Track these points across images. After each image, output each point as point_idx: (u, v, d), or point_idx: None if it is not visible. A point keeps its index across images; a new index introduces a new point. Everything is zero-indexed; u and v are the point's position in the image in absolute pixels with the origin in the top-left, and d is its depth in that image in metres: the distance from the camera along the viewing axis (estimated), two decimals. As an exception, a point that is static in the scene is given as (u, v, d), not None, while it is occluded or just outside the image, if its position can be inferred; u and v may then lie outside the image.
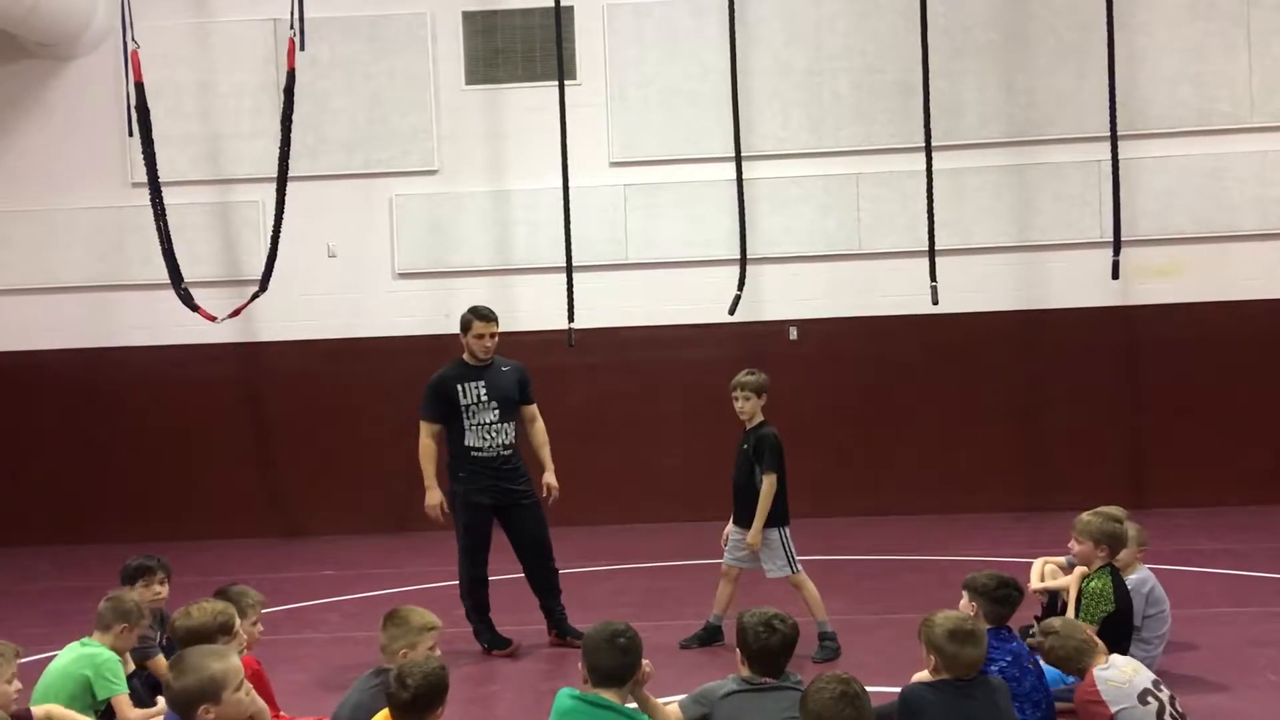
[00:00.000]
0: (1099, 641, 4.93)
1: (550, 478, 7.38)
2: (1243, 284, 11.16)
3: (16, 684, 4.45)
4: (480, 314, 7.22)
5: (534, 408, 7.46)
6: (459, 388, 7.15)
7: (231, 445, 11.71)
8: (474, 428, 7.15)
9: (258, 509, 11.67)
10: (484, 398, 7.15)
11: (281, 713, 5.28)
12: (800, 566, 6.88)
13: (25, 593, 9.56)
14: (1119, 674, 4.63)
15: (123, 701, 5.19)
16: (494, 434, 7.16)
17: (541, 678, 6.59)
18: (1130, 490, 10.52)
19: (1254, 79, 11.15)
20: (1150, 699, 4.54)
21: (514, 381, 7.31)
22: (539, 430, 7.45)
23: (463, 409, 7.14)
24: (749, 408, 6.93)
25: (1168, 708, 4.56)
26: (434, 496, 7.27)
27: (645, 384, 11.41)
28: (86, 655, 5.18)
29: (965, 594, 5.07)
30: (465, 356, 7.26)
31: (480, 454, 7.16)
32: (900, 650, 6.18)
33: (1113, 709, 4.52)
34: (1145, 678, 4.63)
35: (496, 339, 7.25)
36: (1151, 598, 6.03)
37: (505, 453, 7.19)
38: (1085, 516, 5.84)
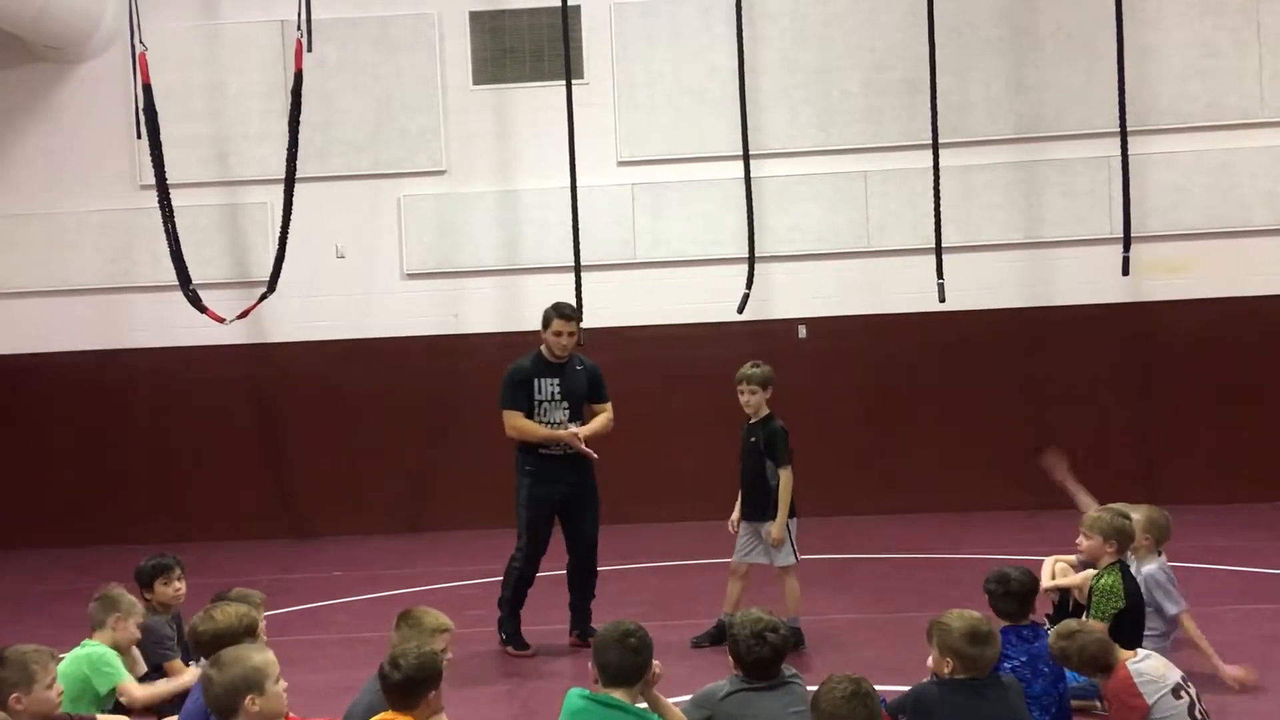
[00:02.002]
0: (1114, 649, 4.85)
1: (584, 430, 7.15)
2: (1254, 280, 11.12)
3: (58, 687, 4.46)
4: (562, 312, 7.19)
5: (606, 405, 7.36)
6: (535, 382, 7.15)
7: (241, 446, 11.72)
8: (543, 425, 7.15)
9: (267, 510, 11.69)
10: (557, 395, 7.17)
11: (291, 714, 5.28)
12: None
13: (36, 595, 9.58)
14: (1153, 668, 4.58)
15: (127, 686, 5.23)
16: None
17: (553, 678, 6.59)
18: (1141, 487, 10.42)
19: (1264, 74, 11.10)
20: (1182, 694, 4.50)
21: (586, 382, 7.30)
22: (603, 419, 7.32)
23: (535, 404, 7.13)
24: (755, 401, 6.95)
25: (1198, 704, 4.52)
26: (563, 432, 7.06)
27: (654, 383, 11.39)
28: (82, 655, 5.22)
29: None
30: (543, 351, 7.24)
31: (548, 451, 7.17)
32: (910, 648, 6.15)
33: (1149, 701, 4.46)
34: (1176, 673, 4.60)
35: (575, 338, 7.23)
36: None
37: (572, 451, 7.19)
38: (1093, 512, 5.82)
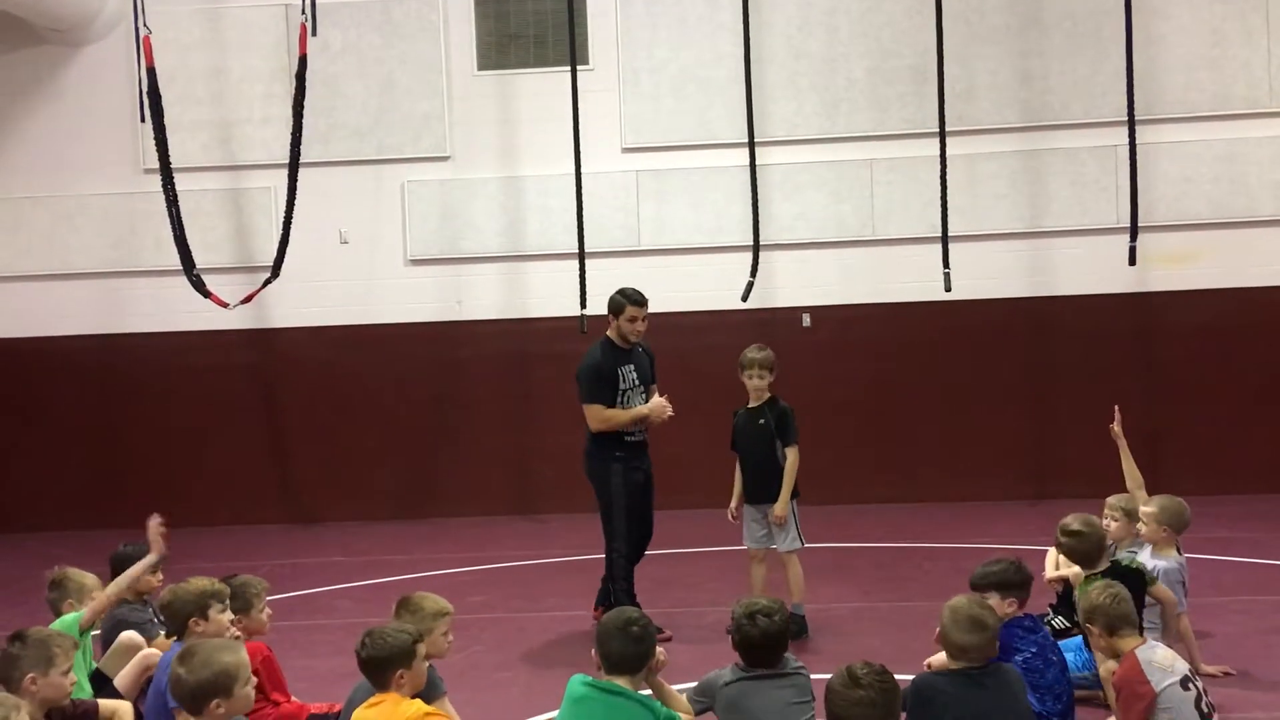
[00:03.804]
0: (1138, 626, 4.83)
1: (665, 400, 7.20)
2: (1260, 270, 11.07)
3: (73, 677, 4.47)
4: (633, 298, 7.17)
5: (655, 384, 7.39)
6: (619, 373, 7.12)
7: (244, 432, 11.72)
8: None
9: (270, 495, 11.69)
10: (635, 382, 7.18)
11: (293, 699, 5.28)
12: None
13: (38, 579, 9.55)
14: (1163, 657, 4.55)
15: (85, 620, 5.28)
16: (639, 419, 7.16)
17: (555, 665, 6.58)
18: (1145, 477, 10.39)
19: (1272, 63, 11.04)
20: (1190, 686, 4.46)
21: (649, 364, 7.35)
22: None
23: (620, 393, 7.11)
24: (763, 385, 6.95)
25: (1204, 696, 4.50)
26: (646, 407, 7.08)
27: (658, 371, 11.35)
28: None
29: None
30: (614, 338, 7.20)
31: (632, 438, 7.17)
32: (913, 638, 6.16)
33: (1157, 688, 4.43)
34: (1185, 665, 4.57)
35: (647, 322, 7.22)
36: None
37: (645, 435, 7.24)
38: (1064, 520, 5.75)
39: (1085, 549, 5.64)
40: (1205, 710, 4.45)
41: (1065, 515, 5.87)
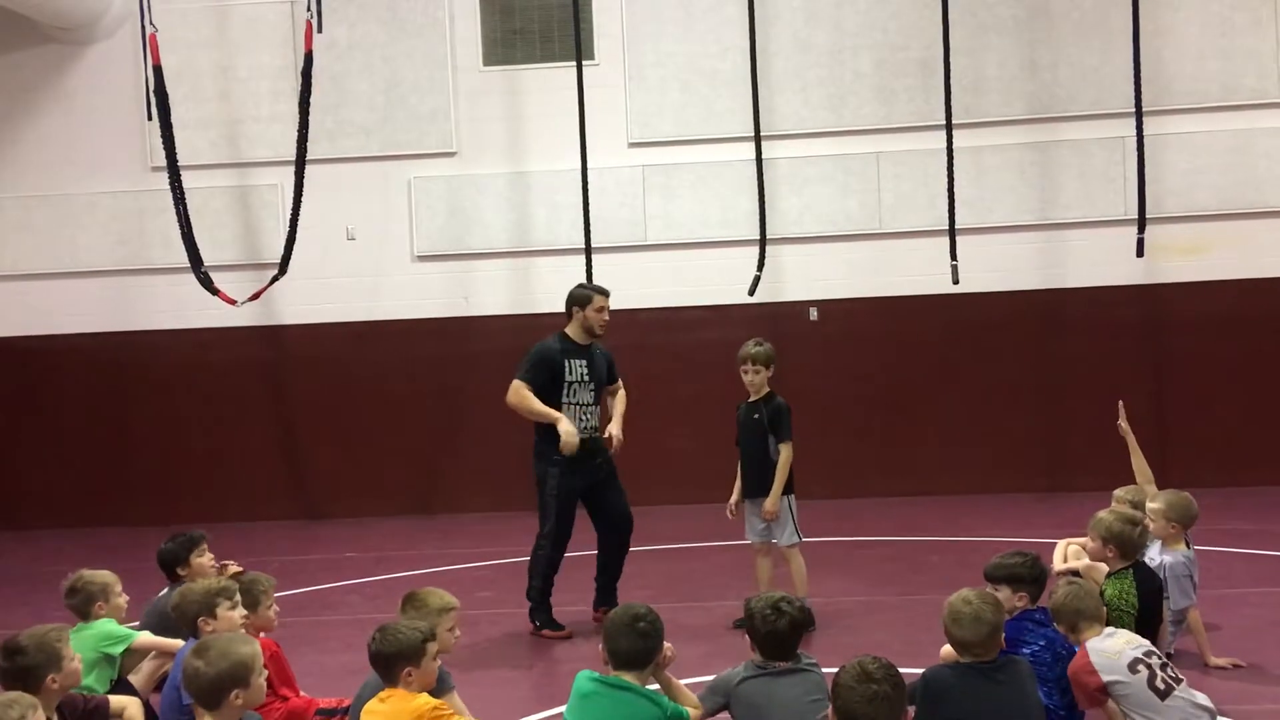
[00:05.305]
0: (1102, 618, 4.82)
1: (615, 428, 7.26)
2: (1269, 261, 11.03)
3: (77, 657, 4.51)
4: (601, 289, 7.29)
5: (619, 383, 7.44)
6: (566, 363, 7.13)
7: (253, 428, 11.76)
8: (571, 406, 7.11)
9: (280, 491, 11.72)
10: (585, 377, 7.17)
11: (302, 694, 5.29)
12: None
13: (47, 575, 9.57)
14: (1112, 645, 4.57)
15: (142, 641, 5.31)
16: (588, 415, 7.17)
17: (562, 661, 6.59)
18: (1155, 470, 10.34)
19: (1281, 53, 11.00)
20: (1140, 667, 4.47)
21: (605, 365, 7.36)
22: (621, 398, 7.44)
23: (566, 385, 7.10)
24: (759, 380, 6.99)
25: (1158, 674, 4.48)
26: (568, 424, 6.98)
27: (664, 365, 11.37)
28: (86, 636, 5.21)
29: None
30: (571, 333, 7.23)
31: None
32: (921, 631, 6.15)
33: (1104, 678, 4.47)
34: (1136, 648, 4.57)
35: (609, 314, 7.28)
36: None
37: (595, 434, 7.21)
38: (1100, 514, 5.69)
39: (1141, 543, 5.58)
40: (1161, 687, 4.44)
41: (1073, 509, 5.85)
